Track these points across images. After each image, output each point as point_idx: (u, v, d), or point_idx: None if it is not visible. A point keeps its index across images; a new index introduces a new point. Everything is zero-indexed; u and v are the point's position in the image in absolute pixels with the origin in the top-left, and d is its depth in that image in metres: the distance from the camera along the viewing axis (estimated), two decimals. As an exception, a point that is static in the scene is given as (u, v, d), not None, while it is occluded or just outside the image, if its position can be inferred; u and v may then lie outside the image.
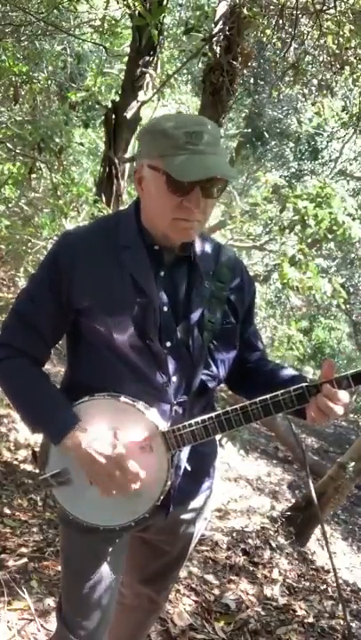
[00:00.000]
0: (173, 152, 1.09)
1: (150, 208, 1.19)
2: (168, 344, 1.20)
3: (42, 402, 1.23)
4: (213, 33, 3.49)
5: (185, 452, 1.25)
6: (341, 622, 2.74)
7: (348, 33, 3.54)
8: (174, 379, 1.22)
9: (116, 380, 1.19)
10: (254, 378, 1.35)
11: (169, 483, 1.20)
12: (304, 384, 1.12)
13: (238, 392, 1.45)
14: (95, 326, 1.19)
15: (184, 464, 1.26)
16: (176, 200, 1.11)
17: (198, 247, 1.26)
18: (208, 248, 1.29)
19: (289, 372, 1.32)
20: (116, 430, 1.16)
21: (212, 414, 1.15)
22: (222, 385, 1.41)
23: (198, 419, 1.15)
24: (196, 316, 1.22)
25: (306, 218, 3.27)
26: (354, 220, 3.37)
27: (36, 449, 1.32)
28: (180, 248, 1.23)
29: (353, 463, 3.62)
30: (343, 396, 1.11)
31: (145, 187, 1.17)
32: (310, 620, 2.72)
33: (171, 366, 1.21)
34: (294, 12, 3.33)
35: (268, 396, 1.13)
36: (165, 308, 1.21)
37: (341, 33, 3.41)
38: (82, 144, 6.12)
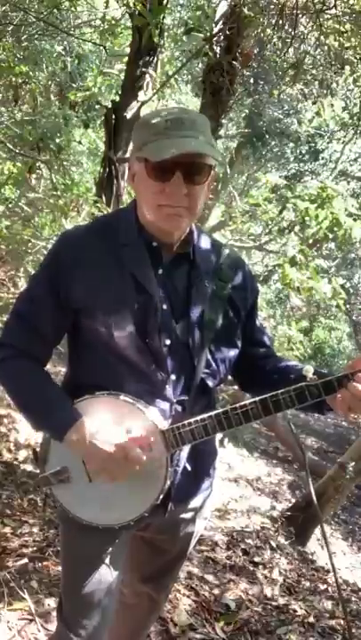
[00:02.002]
0: (154, 138, 1.10)
1: (141, 201, 1.20)
2: (167, 342, 1.20)
3: (44, 399, 1.23)
4: (213, 33, 3.49)
5: (185, 452, 1.25)
6: (342, 622, 2.74)
7: (349, 32, 3.55)
8: (173, 377, 1.22)
9: (115, 378, 1.19)
10: (267, 376, 1.34)
11: (168, 482, 1.20)
12: (304, 383, 1.12)
13: (252, 391, 1.42)
14: (95, 325, 1.19)
15: (184, 463, 1.26)
16: (159, 186, 1.12)
17: (199, 246, 1.26)
18: (209, 247, 1.29)
19: (301, 367, 1.30)
20: (117, 426, 1.16)
21: (212, 413, 1.15)
22: (222, 385, 1.41)
23: (198, 417, 1.15)
24: (195, 314, 1.22)
25: (307, 218, 3.27)
26: (355, 220, 3.36)
27: (37, 448, 1.32)
28: (180, 246, 1.23)
29: (353, 463, 3.62)
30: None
31: (136, 181, 1.18)
32: (310, 619, 2.72)
33: (170, 364, 1.21)
34: (294, 12, 3.33)
35: (267, 395, 1.12)
36: (164, 306, 1.21)
37: (343, 30, 3.42)
38: (80, 142, 6.12)
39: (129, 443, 1.13)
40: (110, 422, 1.17)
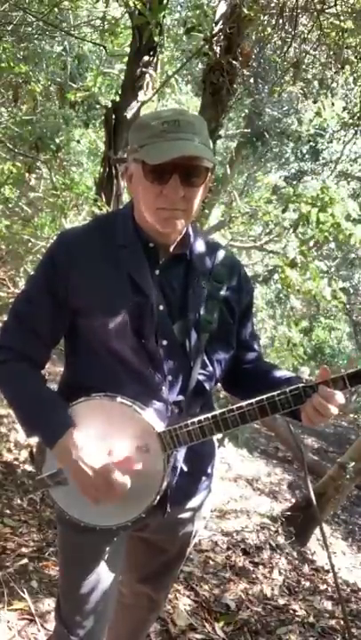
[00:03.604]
0: (151, 141, 1.10)
1: (138, 202, 1.20)
2: (164, 343, 1.20)
3: (37, 407, 1.22)
4: (213, 33, 3.49)
5: (181, 453, 1.25)
6: (341, 622, 2.74)
7: (349, 31, 3.55)
8: (170, 378, 1.21)
9: (111, 379, 1.19)
10: (251, 379, 1.35)
11: (165, 483, 1.20)
12: (300, 384, 1.12)
13: (234, 393, 1.44)
14: (92, 326, 1.19)
15: (181, 464, 1.26)
16: (157, 189, 1.12)
17: (195, 247, 1.26)
18: (205, 248, 1.29)
19: (285, 373, 1.32)
20: (110, 435, 1.16)
21: (209, 415, 1.15)
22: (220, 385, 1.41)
23: (195, 419, 1.15)
24: (192, 315, 1.22)
25: (309, 219, 3.26)
26: (355, 222, 3.35)
27: (34, 449, 1.32)
28: (177, 247, 1.23)
29: (353, 463, 3.62)
30: (339, 396, 1.12)
31: (133, 182, 1.18)
32: (310, 620, 2.72)
33: (166, 365, 1.21)
34: (295, 12, 3.33)
35: (264, 397, 1.12)
36: (161, 307, 1.21)
37: (344, 27, 3.41)
38: (78, 141, 6.12)
39: (111, 467, 1.12)
40: (105, 428, 1.17)
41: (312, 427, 1.15)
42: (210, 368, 1.26)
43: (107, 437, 1.17)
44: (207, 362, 1.25)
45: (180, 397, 1.23)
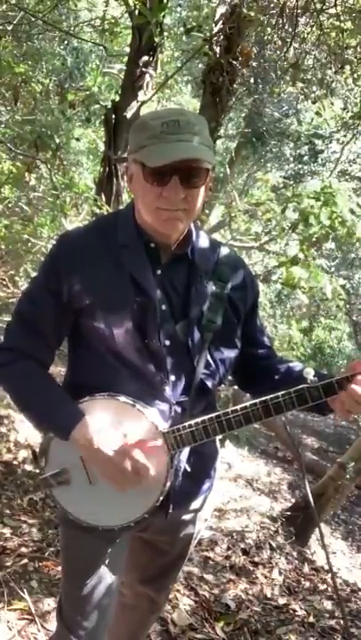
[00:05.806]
0: (150, 142, 1.10)
1: (138, 203, 1.20)
2: (167, 342, 1.20)
3: (48, 399, 1.22)
4: (213, 33, 3.49)
5: (184, 453, 1.25)
6: (341, 622, 2.74)
7: (349, 32, 3.56)
8: (173, 378, 1.21)
9: (114, 379, 1.19)
10: (267, 376, 1.33)
11: (168, 483, 1.20)
12: (305, 385, 1.12)
13: (252, 392, 1.42)
14: (95, 326, 1.19)
15: (184, 465, 1.26)
16: (157, 190, 1.12)
17: (197, 246, 1.26)
18: (207, 247, 1.29)
19: (301, 367, 1.30)
20: (118, 430, 1.16)
21: (212, 415, 1.15)
22: (222, 385, 1.40)
23: (198, 419, 1.15)
24: (195, 314, 1.22)
25: (310, 217, 3.24)
26: (358, 217, 3.33)
27: (36, 449, 1.32)
28: (178, 246, 1.23)
29: (353, 463, 3.62)
30: None
31: (134, 183, 1.18)
32: (310, 619, 2.72)
33: (169, 365, 1.20)
34: (295, 12, 3.33)
35: (268, 397, 1.12)
36: (164, 307, 1.21)
37: (344, 28, 3.42)
38: (78, 139, 6.12)
39: (135, 451, 1.12)
40: (111, 426, 1.16)
41: (347, 417, 1.15)
42: (213, 367, 1.26)
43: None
44: (211, 361, 1.25)
45: (184, 397, 1.22)
